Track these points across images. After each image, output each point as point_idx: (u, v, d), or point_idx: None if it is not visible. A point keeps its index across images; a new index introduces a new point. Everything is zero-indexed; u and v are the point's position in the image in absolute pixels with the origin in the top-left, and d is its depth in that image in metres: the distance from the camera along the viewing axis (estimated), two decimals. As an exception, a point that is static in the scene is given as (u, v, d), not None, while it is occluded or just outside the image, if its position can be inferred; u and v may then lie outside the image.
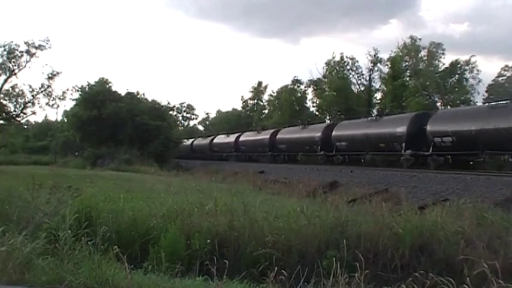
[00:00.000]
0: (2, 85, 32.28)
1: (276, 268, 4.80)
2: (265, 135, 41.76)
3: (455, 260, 5.90)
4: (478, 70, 40.39)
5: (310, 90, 54.15)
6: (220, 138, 53.22)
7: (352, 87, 49.70)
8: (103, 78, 45.29)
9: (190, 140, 59.96)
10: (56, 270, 4.65)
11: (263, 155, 40.49)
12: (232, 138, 48.74)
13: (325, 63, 50.13)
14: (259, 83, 66.84)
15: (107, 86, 44.66)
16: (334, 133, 31.42)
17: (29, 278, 4.55)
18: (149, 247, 6.08)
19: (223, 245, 6.40)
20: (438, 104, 40.10)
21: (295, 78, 55.15)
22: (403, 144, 24.84)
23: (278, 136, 38.90)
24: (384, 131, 26.82)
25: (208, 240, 6.21)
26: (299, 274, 5.13)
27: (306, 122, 40.43)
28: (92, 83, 44.38)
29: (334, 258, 5.06)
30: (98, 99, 41.17)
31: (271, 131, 41.71)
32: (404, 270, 5.91)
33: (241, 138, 46.70)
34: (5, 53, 31.53)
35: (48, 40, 32.51)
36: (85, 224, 5.93)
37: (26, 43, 31.72)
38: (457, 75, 41.29)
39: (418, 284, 4.53)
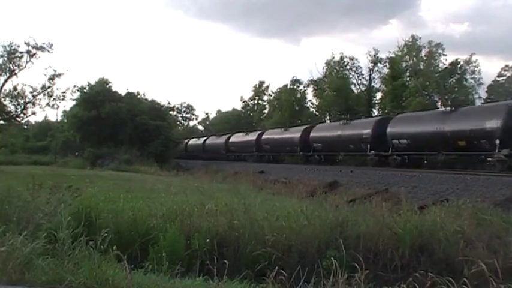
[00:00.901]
0: (3, 85, 32.30)
1: (276, 268, 4.80)
2: (294, 134, 38.47)
3: (455, 260, 5.90)
4: (478, 70, 40.38)
5: (310, 90, 54.23)
6: (238, 137, 49.60)
7: (352, 87, 49.76)
8: (103, 79, 45.29)
9: (202, 139, 58.10)
10: (56, 270, 4.65)
11: (249, 155, 43.24)
12: (252, 136, 46.20)
13: (325, 63, 50.22)
14: (261, 83, 66.89)
15: (107, 86, 44.64)
16: (311, 135, 34.48)
17: (29, 278, 4.55)
18: (149, 247, 6.08)
19: (223, 245, 6.40)
20: (438, 104, 40.09)
21: (294, 78, 55.27)
22: (368, 146, 27.52)
23: (263, 137, 42.40)
24: (353, 133, 29.45)
25: (208, 240, 6.21)
26: (299, 274, 5.13)
27: (287, 125, 43.38)
28: (92, 83, 44.41)
29: (333, 258, 5.06)
30: (97, 100, 41.15)
31: (259, 132, 45.29)
32: (404, 270, 5.91)
33: (264, 136, 43.69)
34: (5, 53, 31.55)
35: (51, 44, 32.51)
36: (85, 224, 5.93)
37: (26, 43, 31.73)
38: (457, 75, 41.26)
39: (418, 284, 4.53)
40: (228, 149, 48.31)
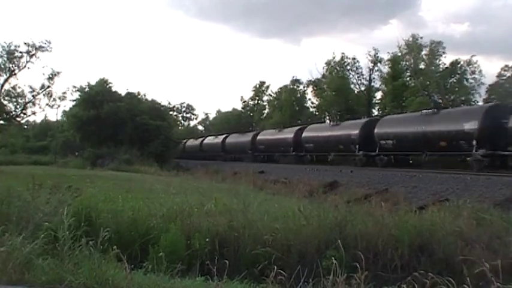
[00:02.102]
0: (2, 85, 32.28)
1: (275, 268, 4.80)
2: (287, 135, 38.84)
3: (455, 260, 5.90)
4: (479, 71, 40.35)
5: (310, 90, 54.19)
6: (233, 137, 49.36)
7: (352, 87, 49.70)
8: (103, 79, 45.27)
9: (199, 140, 56.75)
10: (56, 270, 4.65)
11: (245, 155, 44.18)
12: (248, 137, 45.94)
13: (325, 63, 50.18)
14: (261, 83, 66.81)
15: (107, 86, 44.61)
16: (303, 136, 36.06)
17: (29, 278, 4.55)
18: (149, 247, 6.08)
19: (223, 244, 6.40)
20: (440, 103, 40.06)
21: (294, 78, 55.21)
22: (357, 146, 28.88)
23: (258, 138, 43.97)
24: (343, 134, 30.84)
25: (208, 240, 6.21)
26: (299, 274, 5.13)
27: (287, 125, 44.36)
28: (92, 83, 44.42)
29: (333, 258, 5.06)
30: (97, 100, 41.15)
31: (254, 133, 47.10)
32: (404, 270, 5.91)
33: (259, 137, 43.74)
34: (4, 53, 31.54)
35: (50, 43, 32.48)
36: (85, 224, 5.93)
37: (26, 44, 31.73)
38: (457, 75, 41.24)
39: (418, 284, 4.53)
40: (225, 149, 49.14)
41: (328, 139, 32.50)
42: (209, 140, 55.78)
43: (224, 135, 51.24)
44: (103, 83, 44.61)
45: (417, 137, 24.29)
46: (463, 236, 6.59)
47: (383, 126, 27.59)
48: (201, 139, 58.32)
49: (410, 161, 26.09)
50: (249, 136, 45.11)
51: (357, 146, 28.90)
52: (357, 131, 29.43)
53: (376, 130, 27.68)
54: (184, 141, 61.06)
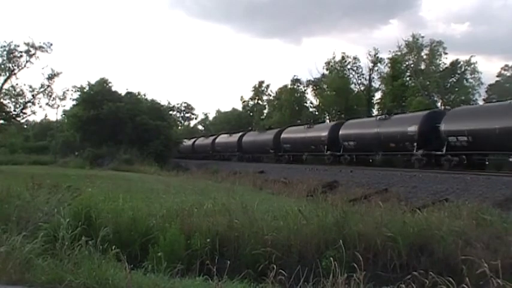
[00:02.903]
0: (2, 85, 32.24)
1: (275, 268, 4.80)
2: (321, 132, 35.14)
3: (455, 260, 5.90)
4: (478, 71, 40.40)
5: (310, 90, 54.19)
6: (222, 138, 49.68)
7: (352, 87, 49.72)
8: (103, 79, 45.22)
9: (237, 135, 47.51)
10: (56, 270, 4.65)
11: (265, 155, 42.15)
12: (235, 138, 46.32)
13: (326, 62, 50.19)
14: (260, 83, 66.83)
15: (107, 86, 44.58)
16: (282, 136, 38.43)
17: (28, 278, 4.55)
18: (149, 247, 6.08)
19: (223, 244, 6.40)
20: (438, 104, 40.09)
21: (295, 77, 55.16)
22: (325, 147, 32.19)
23: (243, 139, 44.90)
24: (314, 136, 33.93)
25: (208, 240, 6.21)
26: (299, 274, 5.13)
27: (265, 127, 45.90)
28: (93, 83, 44.36)
29: (333, 258, 5.05)
30: (97, 99, 41.12)
31: (240, 134, 47.49)
32: (404, 270, 5.91)
33: (244, 138, 44.74)
34: (4, 53, 31.51)
35: (51, 44, 32.46)
36: (84, 224, 5.93)
37: (25, 44, 31.71)
38: (457, 75, 41.27)
39: (418, 284, 4.53)
40: (241, 149, 46.86)
41: (303, 140, 35.27)
42: (222, 138, 51.57)
43: (240, 133, 47.55)
44: (103, 83, 44.55)
45: (372, 139, 27.66)
46: (463, 235, 6.59)
47: (346, 129, 30.83)
48: (212, 137, 54.15)
49: (370, 160, 28.74)
50: (270, 134, 40.96)
51: (325, 147, 32.31)
52: (326, 133, 32.77)
53: (340, 132, 30.93)
54: (193, 139, 59.16)
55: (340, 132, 30.77)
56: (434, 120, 23.57)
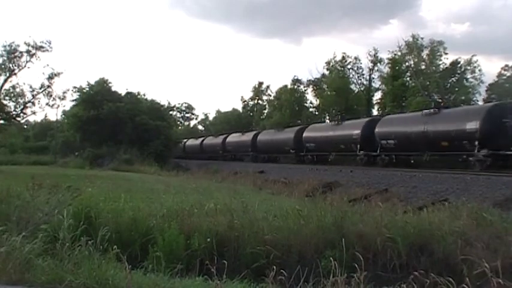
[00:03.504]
0: (2, 85, 32.24)
1: (275, 268, 4.80)
2: (352, 129, 32.23)
3: (455, 260, 5.90)
4: (479, 70, 40.32)
5: (310, 90, 54.20)
6: (209, 139, 50.69)
7: (353, 87, 49.73)
8: (103, 79, 45.24)
9: (250, 134, 45.07)
10: (56, 270, 4.65)
11: (283, 155, 40.91)
12: (219, 139, 47.66)
13: (326, 62, 50.21)
14: (260, 83, 66.89)
15: (107, 86, 44.59)
16: (304, 135, 36.14)
17: (28, 278, 4.55)
18: (149, 247, 6.08)
19: (223, 244, 6.40)
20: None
21: (295, 77, 55.16)
22: (358, 146, 29.72)
23: (259, 138, 43.48)
24: (344, 134, 31.39)
25: (209, 239, 6.21)
26: (299, 274, 5.13)
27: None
28: (92, 83, 44.37)
29: (333, 258, 5.05)
30: (97, 100, 41.13)
31: (224, 135, 49.90)
32: (404, 270, 5.91)
33: (227, 140, 46.47)
34: (5, 53, 31.52)
35: (50, 42, 32.45)
36: (85, 224, 5.93)
37: (26, 43, 31.72)
38: (457, 75, 41.24)
39: (418, 284, 4.53)
40: (256, 148, 45.14)
41: (272, 142, 37.15)
42: (234, 137, 49.01)
43: (255, 132, 45.79)
44: (102, 83, 44.57)
45: (419, 137, 25.13)
46: (463, 236, 6.59)
47: (309, 132, 34.41)
48: (223, 136, 51.43)
49: (329, 160, 31.40)
50: (290, 132, 38.07)
51: (291, 149, 36.03)
52: (291, 135, 36.60)
53: (304, 135, 34.32)
54: (201, 139, 57.12)
55: (377, 129, 27.20)
56: (500, 115, 20.41)
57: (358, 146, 28.66)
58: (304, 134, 35.37)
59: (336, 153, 31.58)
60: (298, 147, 35.58)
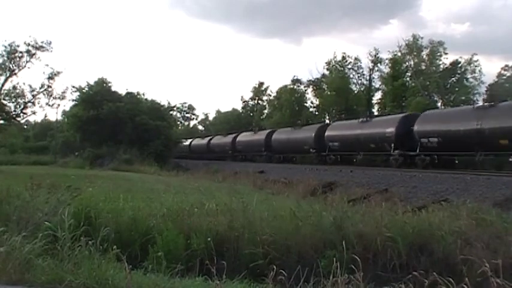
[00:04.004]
0: (3, 85, 32.25)
1: (275, 268, 4.80)
2: (385, 127, 29.23)
3: (455, 260, 5.90)
4: (479, 71, 40.32)
5: (310, 90, 54.20)
6: (197, 141, 53.16)
7: (353, 87, 49.75)
8: (102, 78, 45.24)
9: (311, 130, 35.89)
10: (56, 270, 4.65)
11: (300, 155, 38.73)
12: (206, 140, 48.47)
13: (326, 62, 50.23)
14: (260, 84, 66.91)
15: (106, 86, 44.58)
16: (327, 134, 34.19)
17: (28, 278, 4.55)
18: (149, 247, 6.08)
19: (223, 244, 6.40)
20: (438, 104, 40.08)
21: (295, 77, 55.18)
22: (392, 145, 28.12)
23: (274, 137, 40.71)
24: (375, 132, 29.59)
25: (209, 239, 6.21)
26: (299, 274, 5.13)
27: (301, 124, 44.10)
28: (92, 83, 44.37)
29: (333, 258, 5.06)
30: (96, 100, 41.15)
31: (209, 137, 53.05)
32: (404, 270, 5.91)
33: (212, 141, 47.12)
34: (5, 53, 31.53)
35: (50, 42, 32.48)
36: (85, 224, 5.92)
37: (26, 43, 31.73)
38: (457, 75, 41.23)
39: (418, 284, 4.53)
40: (270, 148, 43.11)
41: (289, 140, 36.36)
42: (245, 136, 46.31)
43: (268, 131, 42.42)
44: (102, 83, 44.58)
45: (355, 140, 29.06)
46: (462, 236, 6.59)
47: (278, 134, 37.68)
48: (232, 136, 48.84)
49: (355, 160, 30.10)
50: (310, 131, 34.97)
51: (264, 152, 39.56)
52: (262, 137, 39.42)
53: (326, 133, 32.21)
54: (209, 137, 55.13)
55: (416, 127, 24.65)
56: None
57: (393, 145, 25.99)
58: (327, 133, 32.42)
59: (364, 153, 28.86)
60: (319, 147, 32.75)
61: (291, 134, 37.86)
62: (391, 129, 26.41)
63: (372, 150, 28.09)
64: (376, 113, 44.09)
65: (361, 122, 30.00)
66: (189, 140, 59.94)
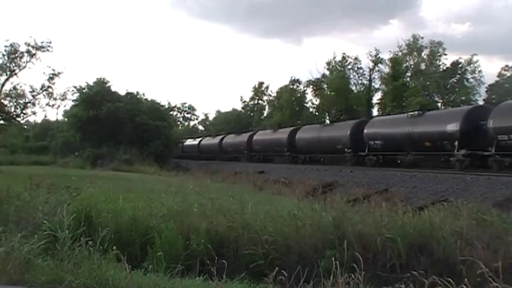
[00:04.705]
0: (3, 85, 32.22)
1: (275, 268, 4.80)
2: (339, 130, 31.68)
3: (455, 260, 5.89)
4: (479, 71, 40.30)
5: (309, 90, 54.23)
6: (190, 141, 54.77)
7: (353, 87, 49.76)
8: (101, 79, 45.24)
9: (345, 127, 31.64)
10: (56, 270, 4.65)
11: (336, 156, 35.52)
12: (196, 141, 49.94)
13: (326, 63, 50.27)
14: (260, 84, 66.91)
15: (105, 86, 44.58)
16: (365, 131, 30.25)
17: (28, 278, 4.56)
18: (148, 247, 6.08)
19: (223, 245, 6.39)
20: (439, 104, 40.08)
21: (294, 78, 55.23)
22: (456, 143, 23.11)
23: (298, 135, 36.82)
24: (432, 130, 25.75)
25: (208, 239, 6.20)
26: (299, 274, 5.12)
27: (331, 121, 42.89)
28: (91, 83, 44.36)
29: (333, 258, 5.05)
30: (96, 100, 41.15)
31: (200, 139, 56.89)
32: (404, 270, 5.90)
33: (201, 142, 48.52)
34: (5, 53, 31.51)
35: (50, 42, 32.46)
36: (84, 224, 5.92)
37: (26, 44, 31.71)
38: (457, 75, 41.22)
39: (417, 284, 4.52)
40: (252, 149, 43.39)
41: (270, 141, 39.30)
42: (263, 135, 42.95)
43: (291, 129, 38.68)
44: (101, 83, 44.58)
45: (316, 142, 32.85)
46: (463, 236, 6.57)
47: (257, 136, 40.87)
48: (247, 134, 45.70)
49: (321, 159, 34.63)
50: (344, 128, 31.61)
51: (286, 148, 37.81)
52: (285, 136, 38.55)
53: (297, 135, 36.19)
54: (221, 137, 52.18)
55: (492, 122, 20.23)
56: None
57: (456, 143, 22.11)
58: (366, 130, 28.63)
59: (416, 153, 25.46)
60: (356, 146, 29.03)
61: (320, 131, 34.04)
62: (453, 126, 22.55)
63: (427, 149, 24.49)
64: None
65: (412, 117, 26.31)
66: (198, 139, 58.25)
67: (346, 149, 30.01)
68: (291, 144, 36.66)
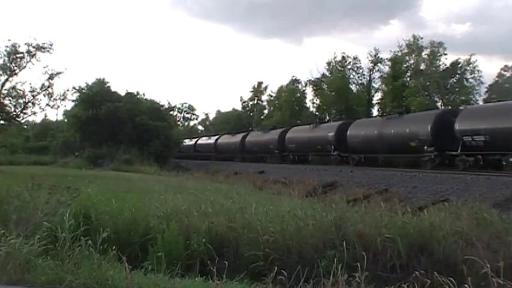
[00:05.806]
0: (3, 85, 32.17)
1: (275, 268, 4.79)
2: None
3: (456, 260, 5.89)
4: (478, 71, 40.25)
5: (309, 90, 54.20)
6: (186, 142, 53.64)
7: (353, 87, 49.74)
8: (100, 79, 45.20)
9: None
10: (56, 270, 4.65)
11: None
12: (192, 141, 49.31)
13: (326, 63, 50.24)
14: (259, 84, 66.91)
15: (105, 86, 44.53)
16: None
17: (29, 278, 4.55)
18: (148, 247, 6.07)
19: (223, 245, 6.39)
20: (438, 104, 40.03)
21: (294, 77, 55.19)
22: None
23: (198, 142, 48.10)
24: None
25: (208, 239, 6.20)
26: (299, 274, 5.12)
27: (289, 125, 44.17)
28: (90, 83, 44.30)
29: (334, 259, 5.05)
30: (96, 100, 41.13)
31: (195, 139, 57.58)
32: (404, 270, 5.90)
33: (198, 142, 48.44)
34: (6, 53, 31.48)
35: (51, 44, 32.41)
36: (84, 224, 5.92)
37: (26, 44, 31.66)
38: (457, 75, 41.19)
39: (418, 284, 4.52)
40: (196, 150, 49.59)
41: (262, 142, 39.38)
42: (255, 136, 43.38)
43: (281, 130, 39.49)
44: (101, 83, 44.54)
45: (307, 142, 34.12)
46: (463, 236, 6.57)
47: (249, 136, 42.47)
48: (241, 135, 45.77)
49: (310, 159, 35.43)
50: (192, 141, 37.45)
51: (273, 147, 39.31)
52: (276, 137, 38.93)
53: (287, 135, 36.89)
54: (216, 137, 52.91)
55: (458, 125, 20.66)
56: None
57: (427, 144, 22.61)
58: (349, 132, 29.49)
59: (386, 155, 26.79)
60: (340, 146, 29.88)
61: (310, 132, 34.79)
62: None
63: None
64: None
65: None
66: (194, 140, 59.25)
67: (332, 147, 31.31)
68: (280, 144, 38.58)
